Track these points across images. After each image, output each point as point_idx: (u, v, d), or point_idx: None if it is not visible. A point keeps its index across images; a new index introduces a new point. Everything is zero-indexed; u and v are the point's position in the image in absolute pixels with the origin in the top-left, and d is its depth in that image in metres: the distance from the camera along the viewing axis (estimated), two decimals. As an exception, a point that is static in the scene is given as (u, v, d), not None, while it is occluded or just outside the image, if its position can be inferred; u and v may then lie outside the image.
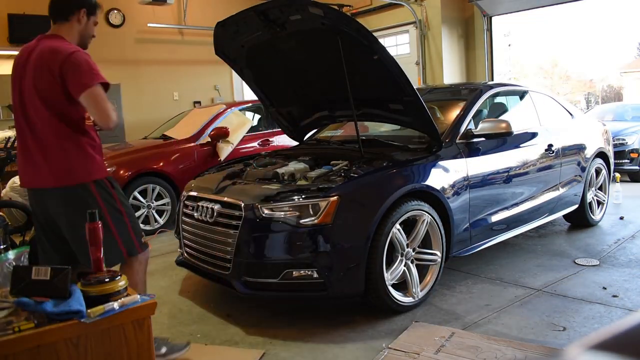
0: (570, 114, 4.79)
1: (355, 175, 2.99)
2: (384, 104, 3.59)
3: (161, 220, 5.46)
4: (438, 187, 3.17)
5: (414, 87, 3.18)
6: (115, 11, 8.61)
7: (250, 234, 2.85)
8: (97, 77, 2.18)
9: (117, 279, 1.55)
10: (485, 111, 4.28)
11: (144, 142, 6.25)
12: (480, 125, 3.55)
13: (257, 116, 6.86)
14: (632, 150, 7.41)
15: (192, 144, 5.81)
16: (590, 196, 4.74)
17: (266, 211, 2.84)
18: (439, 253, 3.18)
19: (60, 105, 2.20)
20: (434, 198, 3.17)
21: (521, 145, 3.92)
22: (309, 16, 3.06)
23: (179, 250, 3.52)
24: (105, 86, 2.22)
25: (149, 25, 8.74)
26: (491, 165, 3.60)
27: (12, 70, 2.32)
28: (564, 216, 4.66)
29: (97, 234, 1.63)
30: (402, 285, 3.06)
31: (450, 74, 8.77)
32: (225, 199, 3.08)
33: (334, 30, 3.09)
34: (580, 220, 4.75)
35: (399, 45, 9.42)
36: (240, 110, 6.45)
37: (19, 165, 2.36)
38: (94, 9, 2.40)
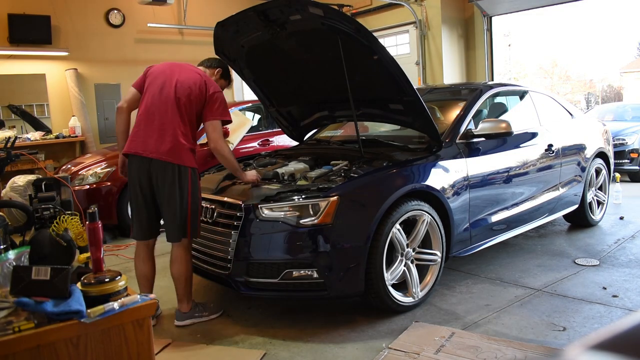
0: (570, 114, 4.79)
1: (355, 175, 2.99)
2: (384, 104, 3.59)
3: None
4: (438, 187, 3.17)
5: (414, 87, 3.18)
6: (115, 11, 8.61)
7: (250, 234, 2.85)
8: (225, 115, 2.99)
9: (117, 279, 1.55)
10: (485, 111, 4.28)
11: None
12: (480, 125, 3.55)
13: (257, 116, 6.86)
14: (632, 150, 7.41)
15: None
16: (590, 196, 4.74)
17: (266, 211, 2.84)
18: (439, 253, 3.18)
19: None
20: (434, 198, 3.17)
21: (521, 145, 3.92)
22: (309, 16, 3.06)
23: (179, 250, 3.51)
24: (225, 122, 3.02)
25: (149, 25, 8.73)
26: (491, 165, 3.60)
27: (158, 68, 3.04)
28: (564, 216, 4.66)
29: (97, 234, 1.63)
30: (402, 285, 3.06)
31: (450, 74, 8.76)
32: (225, 199, 3.09)
33: (334, 31, 3.09)
34: (580, 220, 4.75)
35: (399, 45, 9.41)
36: (240, 110, 6.44)
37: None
38: (227, 76, 3.27)
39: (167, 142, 2.85)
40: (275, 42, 3.47)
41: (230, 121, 3.05)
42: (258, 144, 6.25)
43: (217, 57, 3.36)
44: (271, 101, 4.23)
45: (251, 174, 3.18)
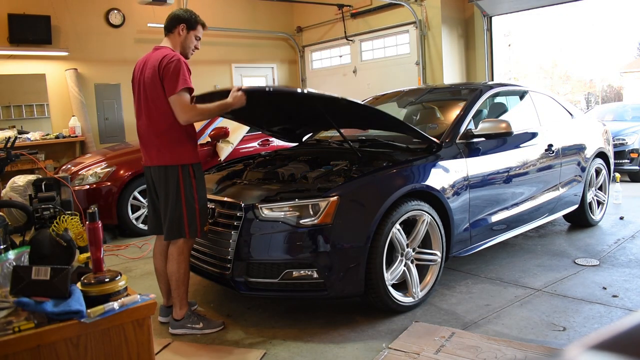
0: (570, 114, 4.79)
1: (355, 176, 2.99)
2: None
3: None
4: (438, 187, 3.17)
5: (388, 113, 3.31)
6: (115, 11, 8.61)
7: (251, 234, 2.85)
8: (184, 83, 2.70)
9: (117, 279, 1.55)
10: (485, 111, 4.28)
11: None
12: (480, 125, 3.55)
13: (257, 116, 6.86)
14: (632, 150, 7.41)
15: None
16: (590, 196, 4.74)
17: (266, 211, 2.84)
18: (439, 253, 3.18)
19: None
20: (434, 198, 3.17)
21: (521, 145, 3.92)
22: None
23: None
24: (189, 90, 2.75)
25: (149, 25, 8.73)
26: (491, 165, 3.60)
27: (133, 73, 2.94)
28: (564, 216, 4.66)
29: (97, 234, 1.63)
30: (402, 285, 3.06)
31: (450, 74, 8.76)
32: (225, 199, 3.08)
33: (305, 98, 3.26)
34: (580, 220, 4.75)
35: (399, 45, 9.41)
36: (240, 110, 6.44)
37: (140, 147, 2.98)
38: (193, 24, 2.93)
39: (151, 147, 2.85)
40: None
41: (192, 89, 2.75)
42: (258, 144, 6.25)
43: (172, 14, 2.95)
44: (259, 125, 4.23)
45: (234, 94, 2.82)
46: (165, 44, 2.92)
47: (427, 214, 3.09)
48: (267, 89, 3.36)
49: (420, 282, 3.12)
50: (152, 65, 2.78)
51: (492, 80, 8.78)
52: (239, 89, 2.84)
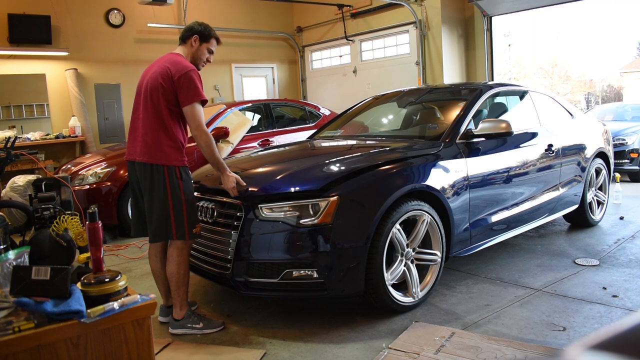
0: (570, 114, 4.79)
1: (355, 175, 2.99)
2: None
3: None
4: (438, 187, 3.17)
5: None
6: (115, 11, 8.61)
7: (251, 234, 2.85)
8: (200, 96, 2.82)
9: (117, 279, 1.55)
10: (485, 111, 4.28)
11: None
12: (480, 125, 3.55)
13: (257, 116, 6.86)
14: (632, 150, 7.41)
15: (192, 144, 5.80)
16: (590, 196, 4.74)
17: (266, 211, 2.84)
18: (439, 253, 3.18)
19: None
20: (434, 198, 3.17)
21: (521, 145, 3.92)
22: None
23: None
24: (203, 102, 2.86)
25: (149, 25, 8.74)
26: (491, 165, 3.60)
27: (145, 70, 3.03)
28: (564, 216, 4.66)
29: (97, 234, 1.63)
30: (402, 285, 3.06)
31: (450, 74, 8.77)
32: (225, 199, 3.08)
33: None
34: (580, 220, 4.75)
35: (398, 45, 9.41)
36: (240, 110, 6.44)
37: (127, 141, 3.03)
38: (206, 37, 3.02)
39: (142, 143, 2.85)
40: None
41: (206, 100, 2.87)
42: (258, 144, 6.24)
43: (188, 25, 3.07)
44: None
45: (232, 181, 2.93)
46: (178, 51, 3.01)
47: (427, 214, 3.09)
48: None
49: (420, 282, 3.12)
50: (160, 67, 2.86)
51: (492, 80, 8.78)
52: (240, 187, 2.95)
